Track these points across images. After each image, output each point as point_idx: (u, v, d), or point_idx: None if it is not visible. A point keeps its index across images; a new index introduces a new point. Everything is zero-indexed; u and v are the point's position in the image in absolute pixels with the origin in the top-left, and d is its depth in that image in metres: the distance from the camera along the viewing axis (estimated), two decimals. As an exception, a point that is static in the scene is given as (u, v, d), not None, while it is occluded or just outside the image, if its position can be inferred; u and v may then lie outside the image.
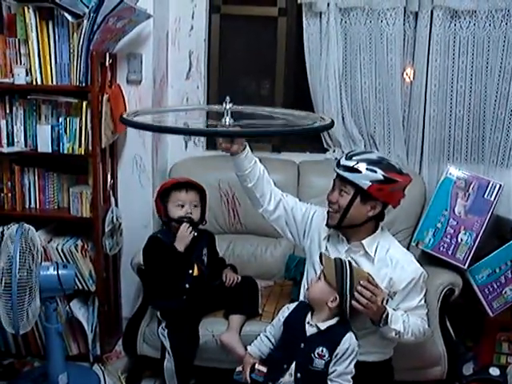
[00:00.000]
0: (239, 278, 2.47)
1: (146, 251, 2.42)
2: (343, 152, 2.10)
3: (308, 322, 1.97)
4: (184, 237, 2.35)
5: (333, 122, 1.97)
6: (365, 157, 2.04)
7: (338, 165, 2.05)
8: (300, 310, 2.03)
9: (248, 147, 2.15)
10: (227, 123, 1.91)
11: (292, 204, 2.26)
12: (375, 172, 1.99)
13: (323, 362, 1.91)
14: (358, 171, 1.99)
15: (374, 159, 2.04)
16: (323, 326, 1.94)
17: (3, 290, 2.14)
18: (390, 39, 2.81)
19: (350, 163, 2.01)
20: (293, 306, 2.08)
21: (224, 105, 1.91)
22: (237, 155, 2.12)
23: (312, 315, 1.99)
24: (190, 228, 2.36)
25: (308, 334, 1.95)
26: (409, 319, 2.03)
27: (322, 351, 1.91)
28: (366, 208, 2.05)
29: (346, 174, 2.02)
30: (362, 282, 1.93)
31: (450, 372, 2.44)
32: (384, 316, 1.96)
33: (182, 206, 2.38)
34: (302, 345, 1.93)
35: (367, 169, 1.99)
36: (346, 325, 1.97)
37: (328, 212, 2.12)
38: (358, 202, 2.03)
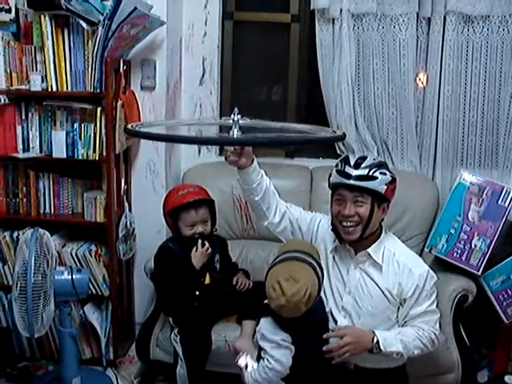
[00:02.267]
0: (251, 283, 2.47)
1: (157, 260, 2.42)
2: (344, 162, 2.04)
3: None
4: (201, 255, 2.33)
5: (344, 134, 1.96)
6: (370, 162, 2.00)
7: (348, 176, 1.98)
8: None
9: (256, 161, 2.11)
10: (235, 135, 1.87)
11: (297, 215, 2.23)
12: (386, 174, 1.99)
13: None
14: (375, 178, 1.97)
15: (377, 163, 2.01)
16: None
17: (18, 294, 2.16)
18: (402, 45, 2.81)
19: (363, 172, 1.97)
20: None
21: (232, 116, 1.87)
22: (245, 169, 2.07)
23: None
24: (207, 245, 2.33)
25: None
26: (407, 336, 2.00)
27: None
28: (380, 212, 2.04)
29: (365, 184, 1.97)
30: (325, 347, 1.95)
31: (464, 379, 2.41)
32: (375, 342, 1.96)
33: (193, 226, 2.35)
34: None
35: (380, 173, 1.98)
36: None
37: (341, 228, 2.05)
38: (376, 209, 2.01)
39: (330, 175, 2.09)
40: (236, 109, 1.88)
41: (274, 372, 1.95)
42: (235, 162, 2.06)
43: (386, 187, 1.98)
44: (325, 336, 1.98)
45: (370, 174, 1.96)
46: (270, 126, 2.13)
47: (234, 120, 1.87)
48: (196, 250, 2.33)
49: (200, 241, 2.34)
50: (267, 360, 1.96)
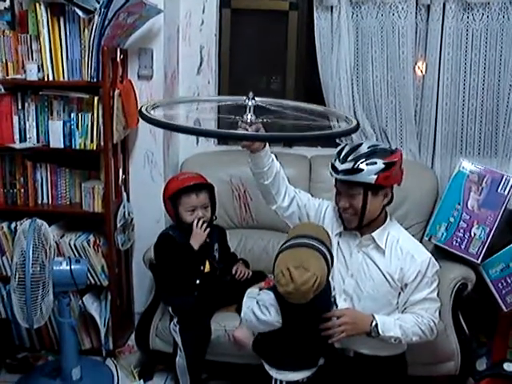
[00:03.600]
0: (250, 272, 2.47)
1: (157, 248, 2.42)
2: (337, 155, 2.03)
3: None
4: (199, 235, 2.34)
5: (358, 124, 1.91)
6: (358, 153, 1.98)
7: (336, 171, 2.00)
8: None
9: (268, 144, 2.11)
10: (249, 120, 1.87)
11: (305, 200, 2.25)
12: (375, 163, 1.96)
13: None
14: (361, 170, 1.95)
15: (368, 152, 1.99)
16: None
17: (17, 285, 2.16)
18: (401, 32, 2.78)
19: (349, 165, 1.97)
20: None
21: (247, 101, 1.86)
22: (257, 152, 2.08)
23: None
24: (205, 225, 2.35)
25: None
26: (406, 322, 2.01)
27: None
28: (380, 198, 2.04)
29: (350, 177, 1.98)
30: (321, 325, 1.95)
31: (463, 367, 2.43)
32: (373, 326, 1.97)
33: (193, 211, 2.36)
34: None
35: (367, 164, 1.95)
36: None
37: (343, 217, 2.09)
38: (371, 197, 2.01)
39: None
40: (251, 93, 1.87)
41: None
42: (249, 146, 2.07)
43: (375, 176, 1.96)
44: (323, 316, 1.98)
45: (356, 166, 1.95)
46: (282, 105, 2.09)
47: (248, 105, 1.86)
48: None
49: (196, 220, 2.34)
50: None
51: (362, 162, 1.96)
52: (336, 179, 2.06)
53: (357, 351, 2.07)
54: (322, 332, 1.97)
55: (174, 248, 2.35)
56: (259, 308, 1.94)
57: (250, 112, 1.87)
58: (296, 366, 1.98)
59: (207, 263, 2.39)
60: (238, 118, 1.91)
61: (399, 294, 2.05)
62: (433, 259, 2.07)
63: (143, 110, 1.80)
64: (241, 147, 2.10)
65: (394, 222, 2.17)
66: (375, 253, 2.08)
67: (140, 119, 1.84)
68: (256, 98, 1.88)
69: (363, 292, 2.07)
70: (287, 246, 1.90)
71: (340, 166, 1.99)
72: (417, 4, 2.77)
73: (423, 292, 2.03)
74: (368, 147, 2.02)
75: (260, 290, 2.04)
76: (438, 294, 2.09)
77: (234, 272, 2.45)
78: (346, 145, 2.07)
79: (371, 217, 2.06)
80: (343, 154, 2.01)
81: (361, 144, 2.05)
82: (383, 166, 1.97)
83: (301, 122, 2.01)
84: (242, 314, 2.01)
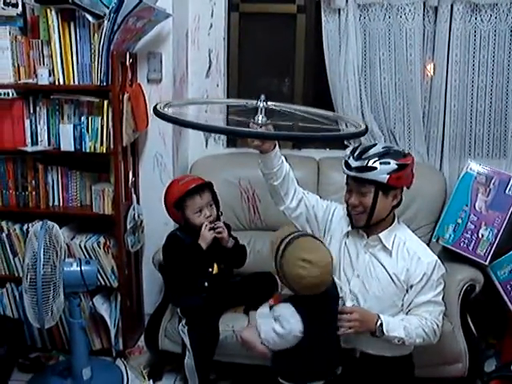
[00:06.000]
0: (233, 241, 2.45)
1: (166, 249, 2.44)
2: (351, 153, 2.06)
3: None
4: (207, 236, 2.35)
5: (367, 128, 1.96)
6: (373, 152, 2.02)
7: (349, 167, 2.03)
8: None
9: (277, 145, 2.13)
10: (260, 121, 1.91)
11: (313, 202, 2.26)
12: (389, 163, 1.99)
13: None
14: (374, 168, 1.98)
15: (382, 152, 2.02)
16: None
17: (29, 286, 2.19)
18: (409, 34, 2.79)
19: (362, 163, 2.00)
20: None
21: (259, 103, 1.90)
22: (267, 153, 2.10)
23: None
24: (212, 225, 2.37)
25: None
26: (411, 323, 2.01)
27: None
28: (389, 199, 2.06)
29: (363, 175, 2.00)
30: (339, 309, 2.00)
31: (471, 369, 2.42)
32: (378, 325, 1.98)
33: (201, 211, 2.38)
34: None
35: (381, 163, 1.98)
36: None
37: (351, 215, 2.11)
38: (382, 197, 2.03)
39: None
40: (263, 96, 1.89)
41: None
42: (259, 146, 2.09)
43: (387, 176, 1.98)
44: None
45: (369, 164, 1.98)
46: (293, 108, 2.15)
47: (260, 107, 1.90)
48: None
49: (206, 223, 2.35)
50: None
51: (375, 161, 1.99)
52: (348, 176, 2.08)
53: (363, 351, 2.08)
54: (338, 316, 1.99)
55: (182, 248, 2.37)
56: (280, 324, 1.96)
57: (261, 114, 1.90)
58: (315, 377, 2.00)
59: (215, 265, 2.41)
60: (248, 120, 1.95)
61: (404, 295, 2.06)
62: (439, 262, 2.08)
63: (158, 107, 1.88)
64: (252, 148, 2.12)
65: (402, 225, 2.19)
66: (382, 254, 2.09)
67: (154, 117, 1.94)
68: (268, 102, 1.91)
69: (369, 293, 2.08)
70: (284, 248, 1.94)
71: (353, 163, 2.01)
72: (424, 6, 2.77)
73: (428, 294, 2.04)
74: (382, 147, 2.05)
75: (270, 308, 2.05)
76: (443, 298, 2.09)
77: (213, 226, 2.39)
78: (360, 144, 2.09)
79: (379, 216, 2.07)
80: (357, 151, 2.04)
81: (375, 144, 2.09)
82: (396, 166, 2.00)
83: (310, 124, 2.04)
84: (263, 336, 2.01)
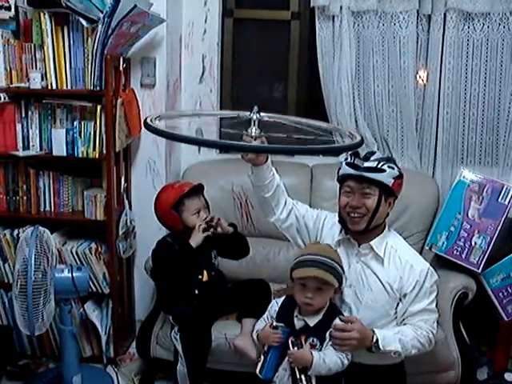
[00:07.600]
0: (231, 229, 2.42)
1: (155, 254, 2.41)
2: (354, 156, 2.06)
3: (296, 316, 2.00)
4: (198, 236, 2.32)
5: (362, 140, 1.94)
6: (378, 156, 2.05)
7: (357, 168, 2.01)
8: (288, 305, 2.05)
9: (270, 158, 2.12)
10: (253, 133, 1.89)
11: (303, 212, 2.24)
12: (393, 169, 2.02)
13: (316, 351, 1.95)
14: (383, 170, 1.99)
15: (385, 157, 2.07)
16: (311, 322, 1.98)
17: (19, 292, 2.17)
18: (402, 42, 2.80)
19: (373, 164, 2.00)
20: (281, 300, 2.11)
21: (252, 114, 1.88)
22: (260, 166, 2.09)
23: (300, 309, 2.01)
24: (205, 226, 2.34)
25: (297, 328, 1.98)
26: (406, 335, 2.00)
27: (313, 341, 1.96)
28: (387, 206, 2.06)
29: (373, 175, 2.00)
30: (332, 333, 1.95)
31: (464, 377, 2.41)
32: (374, 341, 1.96)
33: (198, 212, 2.37)
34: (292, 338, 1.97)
35: (388, 166, 2.00)
36: (333, 313, 1.99)
37: (349, 218, 2.07)
38: (383, 201, 2.03)
39: (339, 169, 2.11)
40: (256, 107, 1.88)
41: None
42: (253, 160, 2.07)
43: (393, 181, 2.01)
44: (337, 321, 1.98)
45: (379, 166, 2.00)
46: (287, 119, 2.14)
47: (253, 119, 1.88)
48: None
49: (199, 223, 2.33)
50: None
51: (383, 164, 2.00)
52: (347, 179, 2.05)
53: (354, 361, 2.05)
54: (333, 332, 1.96)
55: (171, 253, 2.33)
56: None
57: (254, 126, 1.88)
58: None
59: (205, 272, 2.38)
60: (241, 132, 1.93)
61: (397, 304, 2.05)
62: (431, 269, 2.08)
63: (148, 120, 1.84)
64: (245, 161, 2.09)
65: (393, 232, 2.18)
66: (374, 262, 2.08)
67: (144, 129, 1.89)
68: (261, 113, 1.89)
69: (361, 302, 2.06)
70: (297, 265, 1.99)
71: (363, 164, 2.01)
72: (418, 14, 2.78)
73: (422, 303, 2.03)
74: (382, 154, 2.06)
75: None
76: (436, 305, 2.09)
77: (206, 226, 2.37)
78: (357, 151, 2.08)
79: (378, 222, 2.06)
80: (363, 154, 2.05)
81: (374, 151, 2.10)
82: (398, 173, 2.03)
83: (305, 136, 2.02)
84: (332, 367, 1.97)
